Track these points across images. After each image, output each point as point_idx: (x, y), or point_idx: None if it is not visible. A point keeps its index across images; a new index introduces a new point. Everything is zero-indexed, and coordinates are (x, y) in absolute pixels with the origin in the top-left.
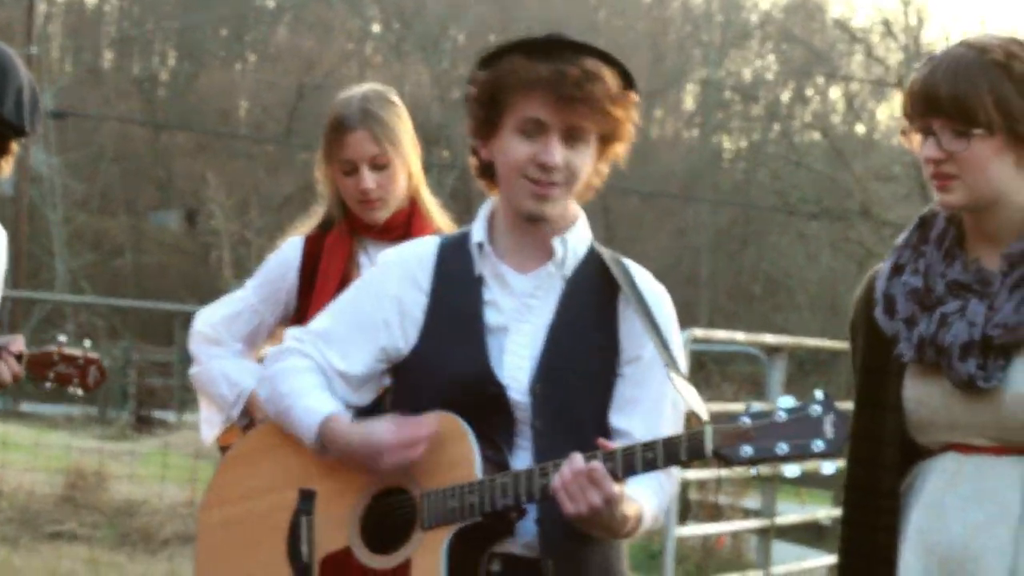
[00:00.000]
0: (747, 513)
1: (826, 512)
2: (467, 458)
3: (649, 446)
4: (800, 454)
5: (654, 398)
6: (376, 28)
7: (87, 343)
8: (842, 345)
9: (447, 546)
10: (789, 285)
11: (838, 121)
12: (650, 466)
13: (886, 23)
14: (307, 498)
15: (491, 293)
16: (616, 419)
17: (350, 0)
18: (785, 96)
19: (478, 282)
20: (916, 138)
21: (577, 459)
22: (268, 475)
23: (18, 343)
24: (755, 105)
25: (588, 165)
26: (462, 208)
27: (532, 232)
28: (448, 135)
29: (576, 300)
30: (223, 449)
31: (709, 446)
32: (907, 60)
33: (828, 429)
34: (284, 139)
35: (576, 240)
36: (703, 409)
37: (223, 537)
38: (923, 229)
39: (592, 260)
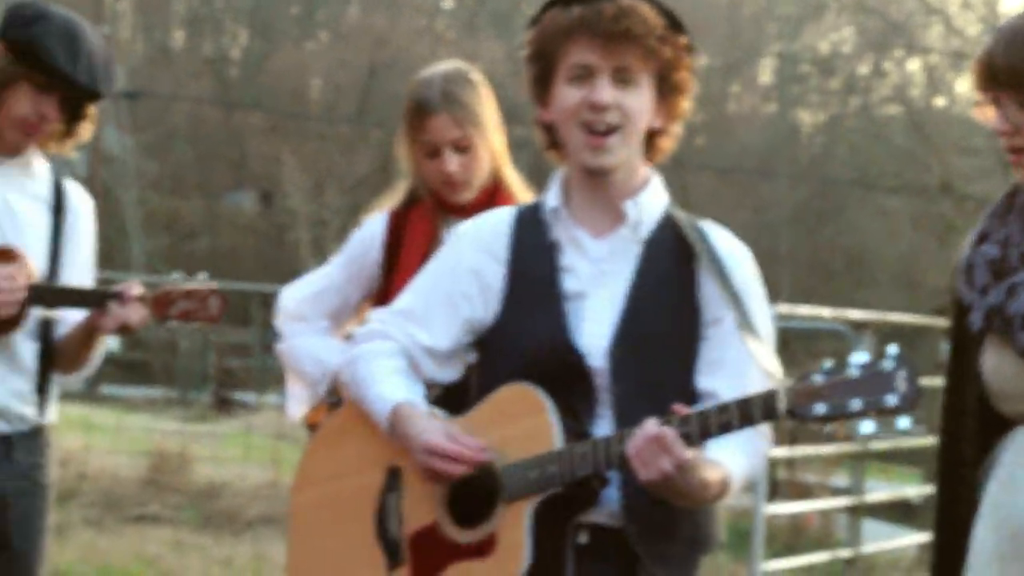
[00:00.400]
0: (835, 491)
1: (916, 490)
2: (546, 429)
3: (724, 408)
4: (874, 409)
5: (740, 359)
6: (448, 4)
7: (202, 275)
8: (928, 320)
9: (530, 518)
10: (869, 261)
11: (917, 94)
12: (725, 428)
13: None
14: (394, 475)
15: (567, 258)
16: (702, 381)
17: None
18: (863, 69)
19: (553, 248)
20: (990, 111)
21: (650, 425)
22: (355, 454)
23: (135, 286)
24: (833, 78)
25: (644, 109)
26: (539, 188)
27: (603, 194)
28: (524, 112)
29: (653, 264)
30: (311, 427)
31: (783, 406)
32: (986, 31)
33: (901, 384)
34: (357, 119)
35: (650, 203)
36: (776, 369)
37: (314, 517)
38: (1011, 199)
39: (668, 223)
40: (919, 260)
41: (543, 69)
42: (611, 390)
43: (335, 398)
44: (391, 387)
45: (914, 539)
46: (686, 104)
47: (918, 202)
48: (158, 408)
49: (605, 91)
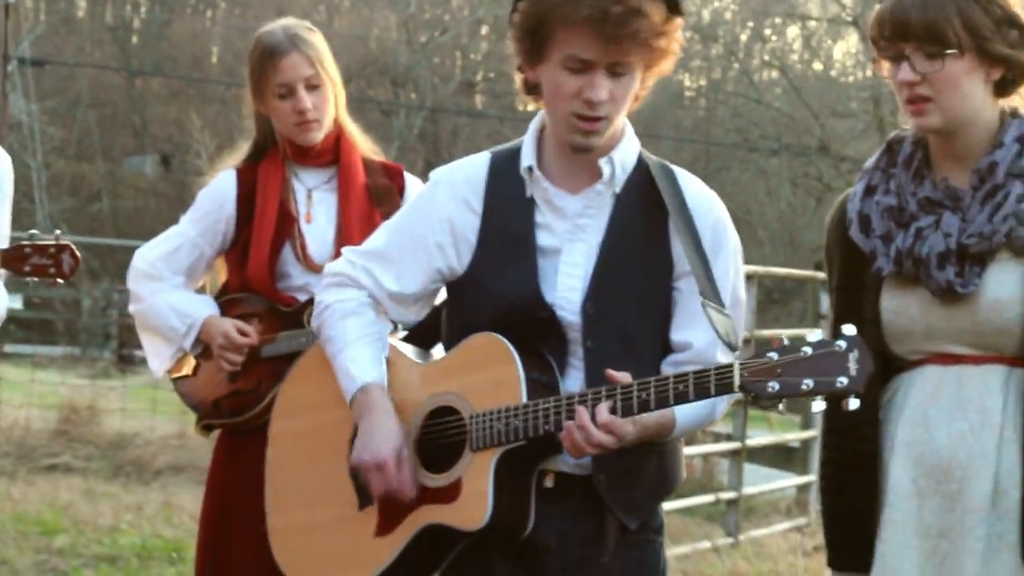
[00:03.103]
0: (718, 437)
1: (795, 435)
2: (513, 380)
3: (680, 378)
4: (824, 390)
5: None
6: None
7: (58, 231)
8: (808, 273)
9: (494, 467)
10: (750, 220)
11: (796, 59)
12: (681, 399)
13: None
14: None
15: (542, 216)
16: (677, 333)
17: None
18: (744, 35)
19: (529, 204)
20: (886, 66)
21: (589, 429)
22: (334, 389)
23: None
24: (714, 44)
25: (632, 93)
26: (431, 149)
27: (580, 156)
28: (415, 78)
29: (626, 217)
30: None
31: (737, 382)
32: None
33: (852, 366)
34: None
35: (624, 155)
36: (735, 337)
37: (290, 449)
38: (890, 153)
39: (641, 173)
40: (797, 219)
41: (536, 44)
42: (583, 343)
43: (202, 348)
44: (357, 360)
45: (792, 481)
46: (669, 67)
47: (797, 163)
48: (63, 365)
49: (602, 88)
